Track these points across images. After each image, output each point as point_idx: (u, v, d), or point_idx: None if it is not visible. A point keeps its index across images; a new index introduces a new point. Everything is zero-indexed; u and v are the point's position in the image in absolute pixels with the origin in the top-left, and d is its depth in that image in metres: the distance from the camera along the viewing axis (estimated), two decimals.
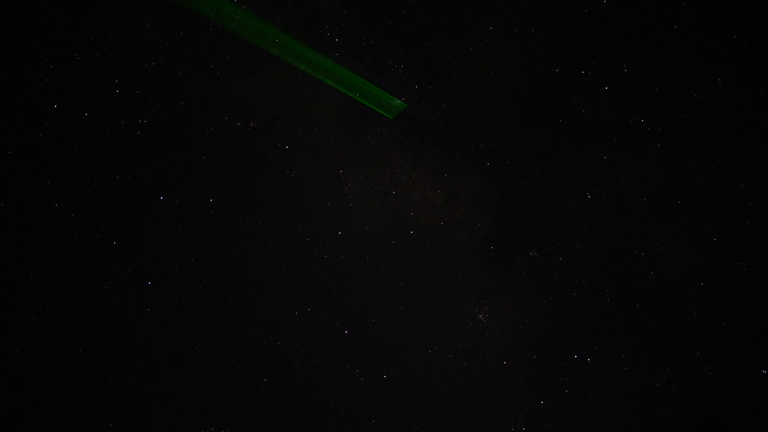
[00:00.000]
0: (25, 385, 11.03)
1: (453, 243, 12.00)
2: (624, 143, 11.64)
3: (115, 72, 10.94)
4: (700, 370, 11.61)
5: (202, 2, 10.37)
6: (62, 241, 11.07)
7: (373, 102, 11.03)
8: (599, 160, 11.68)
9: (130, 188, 11.18)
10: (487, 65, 11.65)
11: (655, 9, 11.19)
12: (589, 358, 11.78)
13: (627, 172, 11.72)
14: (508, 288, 11.97)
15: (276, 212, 11.75)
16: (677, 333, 11.79)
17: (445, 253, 12.02)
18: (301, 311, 11.73)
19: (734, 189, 11.54)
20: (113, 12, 10.82)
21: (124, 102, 10.99)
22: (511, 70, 11.69)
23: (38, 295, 11.00)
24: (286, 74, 11.46)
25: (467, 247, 11.96)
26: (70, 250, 11.10)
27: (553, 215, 11.91)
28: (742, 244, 11.55)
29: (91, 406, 11.23)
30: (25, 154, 10.78)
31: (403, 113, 11.75)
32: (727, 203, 11.56)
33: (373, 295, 11.85)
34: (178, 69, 11.12)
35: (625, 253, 11.79)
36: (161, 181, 11.26)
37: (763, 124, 11.32)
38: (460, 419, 11.80)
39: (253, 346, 11.70)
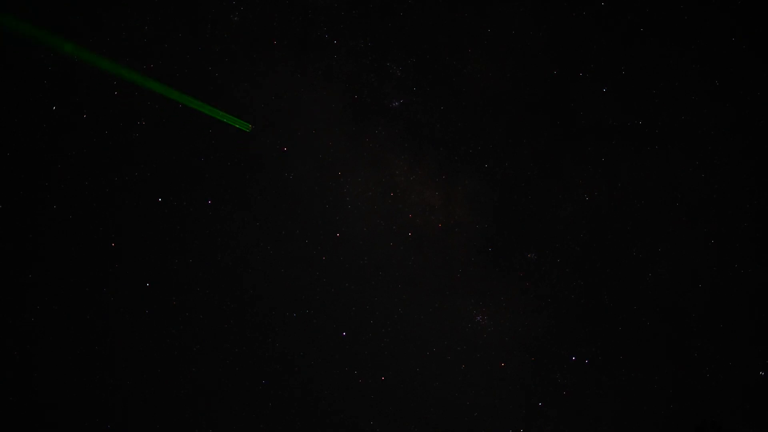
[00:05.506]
0: (24, 386, 11.05)
1: (451, 245, 12.02)
2: (622, 145, 11.67)
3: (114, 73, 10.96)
4: (698, 373, 11.63)
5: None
6: (61, 243, 11.09)
7: None
8: (597, 162, 11.71)
9: (128, 190, 11.20)
10: (485, 67, 11.67)
11: (654, 11, 11.20)
12: (587, 360, 11.79)
13: (625, 174, 11.75)
14: (507, 290, 11.99)
15: (274, 214, 11.78)
16: (675, 335, 11.80)
17: (443, 255, 12.03)
18: (300, 313, 11.75)
19: (732, 191, 11.56)
20: (112, 12, 10.85)
21: (123, 103, 11.02)
22: (510, 72, 11.70)
23: (36, 296, 11.03)
24: (284, 76, 11.50)
25: (465, 249, 11.97)
26: (69, 252, 11.13)
27: (552, 217, 11.93)
28: (741, 246, 11.56)
29: (89, 407, 11.25)
30: (24, 156, 10.80)
31: (402, 114, 11.78)
32: (726, 205, 11.57)
33: (371, 297, 11.87)
34: (177, 70, 11.13)
35: (623, 255, 11.80)
36: (159, 182, 11.28)
37: (762, 126, 11.33)
38: (459, 421, 11.82)
39: (251, 348, 11.72)
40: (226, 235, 11.64)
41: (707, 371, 11.56)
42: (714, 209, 11.57)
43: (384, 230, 11.85)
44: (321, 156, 11.65)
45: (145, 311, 11.30)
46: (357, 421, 11.71)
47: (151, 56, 10.96)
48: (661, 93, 11.42)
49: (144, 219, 11.31)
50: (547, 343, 11.91)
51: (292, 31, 11.35)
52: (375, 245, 11.84)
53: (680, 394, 11.62)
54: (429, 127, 11.84)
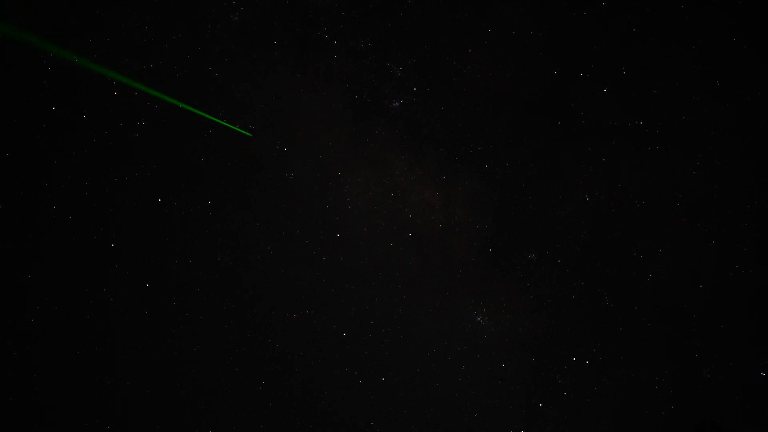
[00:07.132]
0: (24, 386, 11.05)
1: (451, 245, 12.02)
2: (623, 145, 11.66)
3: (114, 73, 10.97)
4: (698, 373, 11.63)
5: None
6: (61, 243, 11.09)
7: None
8: (598, 162, 11.71)
9: (128, 190, 11.19)
10: (485, 67, 11.67)
11: (654, 11, 11.20)
12: (588, 361, 11.79)
13: (625, 174, 11.75)
14: (507, 290, 11.99)
15: (274, 214, 11.78)
16: (676, 335, 11.80)
17: (443, 256, 12.04)
18: (300, 313, 11.75)
19: (733, 191, 11.55)
20: (112, 12, 10.85)
21: (123, 103, 11.02)
22: (510, 72, 11.70)
23: (36, 296, 11.03)
24: (284, 76, 11.50)
25: (466, 250, 11.97)
26: (69, 252, 11.13)
27: (552, 217, 11.94)
28: (741, 246, 11.56)
29: (89, 407, 11.24)
30: (24, 156, 10.79)
31: (402, 114, 11.78)
32: (726, 206, 11.57)
33: (371, 298, 11.88)
34: (177, 71, 11.14)
35: (623, 255, 11.80)
36: (159, 183, 11.28)
37: (762, 126, 11.33)
38: (459, 422, 11.81)
39: (251, 348, 11.72)
40: (226, 235, 11.64)
41: (707, 371, 11.57)
42: (714, 209, 11.58)
43: (384, 230, 11.86)
44: (321, 156, 11.67)
45: (145, 311, 11.32)
46: (357, 421, 11.71)
47: (151, 56, 10.97)
48: (661, 93, 11.42)
49: (144, 219, 11.32)
50: (547, 343, 11.92)
51: (292, 31, 11.37)
52: (375, 245, 11.86)
53: (680, 394, 11.63)
54: (429, 127, 11.86)
